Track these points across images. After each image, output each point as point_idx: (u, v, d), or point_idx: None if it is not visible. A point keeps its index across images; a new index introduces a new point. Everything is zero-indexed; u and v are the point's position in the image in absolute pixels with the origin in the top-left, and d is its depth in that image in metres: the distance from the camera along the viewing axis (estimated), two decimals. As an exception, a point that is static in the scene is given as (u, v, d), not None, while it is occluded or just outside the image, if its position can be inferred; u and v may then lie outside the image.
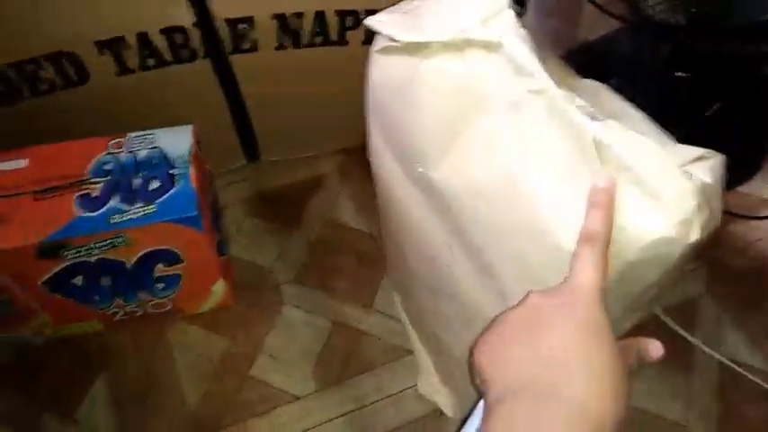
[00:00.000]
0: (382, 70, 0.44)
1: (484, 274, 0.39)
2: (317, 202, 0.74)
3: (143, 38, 0.54)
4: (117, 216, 0.49)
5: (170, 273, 0.55)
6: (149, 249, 0.52)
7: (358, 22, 0.60)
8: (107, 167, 0.51)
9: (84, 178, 0.50)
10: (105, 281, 0.53)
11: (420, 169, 0.40)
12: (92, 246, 0.49)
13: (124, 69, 0.56)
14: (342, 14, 0.59)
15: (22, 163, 0.51)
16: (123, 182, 0.50)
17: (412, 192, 0.43)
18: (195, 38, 0.56)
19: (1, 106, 0.55)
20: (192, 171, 0.51)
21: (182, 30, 0.55)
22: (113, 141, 0.53)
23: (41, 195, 0.49)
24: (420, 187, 0.42)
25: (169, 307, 0.60)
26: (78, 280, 0.52)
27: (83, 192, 0.50)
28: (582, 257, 0.31)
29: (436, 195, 0.40)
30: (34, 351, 0.61)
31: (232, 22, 0.56)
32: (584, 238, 0.31)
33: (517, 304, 0.31)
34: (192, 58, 0.58)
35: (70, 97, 0.57)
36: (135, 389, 0.60)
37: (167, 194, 0.50)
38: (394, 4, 0.44)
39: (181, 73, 0.59)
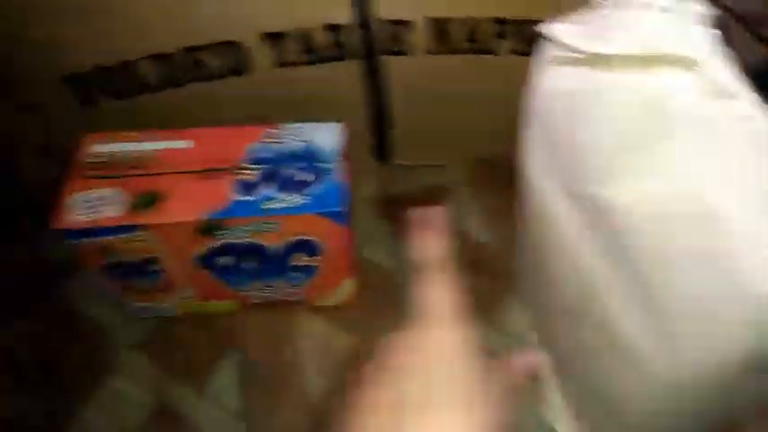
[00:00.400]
0: (553, 81, 0.42)
1: (646, 306, 0.36)
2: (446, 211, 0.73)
3: (305, 33, 0.56)
4: (270, 203, 0.50)
5: (307, 264, 0.56)
6: (294, 238, 0.53)
7: (509, 32, 0.59)
8: (261, 155, 0.53)
9: (241, 164, 0.53)
10: (249, 264, 0.55)
11: (591, 186, 0.38)
12: (244, 229, 0.51)
13: (282, 62, 0.58)
14: (495, 23, 0.58)
15: (185, 144, 0.54)
16: (276, 171, 0.52)
17: (570, 209, 0.41)
18: (353, 37, 0.57)
19: (164, 89, 0.59)
20: (340, 167, 0.52)
21: (341, 28, 0.56)
22: (267, 131, 0.55)
23: (202, 176, 0.52)
24: (582, 205, 0.40)
25: (299, 297, 0.61)
26: (226, 260, 0.54)
27: (240, 177, 0.52)
28: (428, 287, 0.29)
29: (603, 215, 0.37)
30: (169, 324, 0.64)
31: (389, 23, 0.56)
32: (426, 267, 0.30)
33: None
34: (346, 56, 0.59)
35: (228, 85, 0.59)
36: (262, 373, 0.61)
37: (317, 188, 0.51)
38: (549, 15, 0.42)
39: (331, 70, 0.60)
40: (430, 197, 0.75)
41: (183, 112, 0.61)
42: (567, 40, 0.40)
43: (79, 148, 0.54)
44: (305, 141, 0.54)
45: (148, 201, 0.50)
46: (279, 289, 0.60)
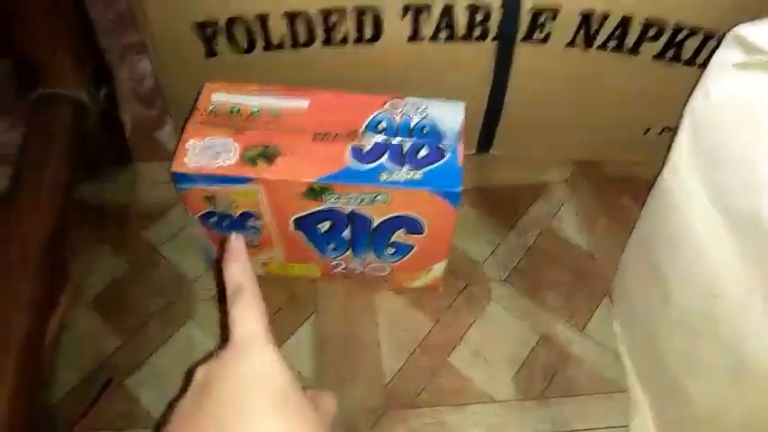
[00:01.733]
0: (730, 87, 0.40)
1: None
2: (539, 208, 0.72)
3: (448, 9, 0.54)
4: (384, 174, 0.49)
5: (406, 242, 0.55)
6: (400, 214, 0.51)
7: (661, 33, 0.56)
8: (381, 126, 0.52)
9: (360, 131, 0.51)
10: (347, 233, 0.54)
11: (756, 203, 0.35)
12: (355, 197, 0.50)
13: (415, 36, 0.56)
14: (649, 22, 0.55)
15: (304, 104, 0.52)
16: (395, 144, 0.51)
17: (720, 224, 0.39)
18: (494, 19, 0.55)
19: (294, 48, 0.57)
20: (459, 148, 0.51)
21: (486, 8, 0.54)
22: (390, 102, 0.53)
23: (319, 138, 0.50)
24: (732, 219, 0.38)
25: (386, 273, 0.60)
26: (324, 225, 0.53)
27: (356, 144, 0.50)
28: (236, 311, 0.29)
29: (761, 233, 0.35)
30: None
31: (537, 9, 0.54)
32: (232, 292, 0.30)
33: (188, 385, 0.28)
34: (483, 38, 0.57)
35: (357, 52, 0.58)
36: (337, 343, 0.61)
37: (434, 165, 0.50)
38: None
39: (462, 50, 0.58)
40: (525, 192, 0.73)
41: (305, 76, 0.60)
42: (756, 40, 0.38)
43: (200, 95, 0.52)
44: (427, 117, 0.53)
45: (262, 155, 0.49)
46: (368, 263, 0.59)
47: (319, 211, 0.51)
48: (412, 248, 0.56)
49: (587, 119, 0.68)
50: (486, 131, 0.69)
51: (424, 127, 0.52)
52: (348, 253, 0.58)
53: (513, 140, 0.72)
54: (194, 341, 0.60)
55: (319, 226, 0.53)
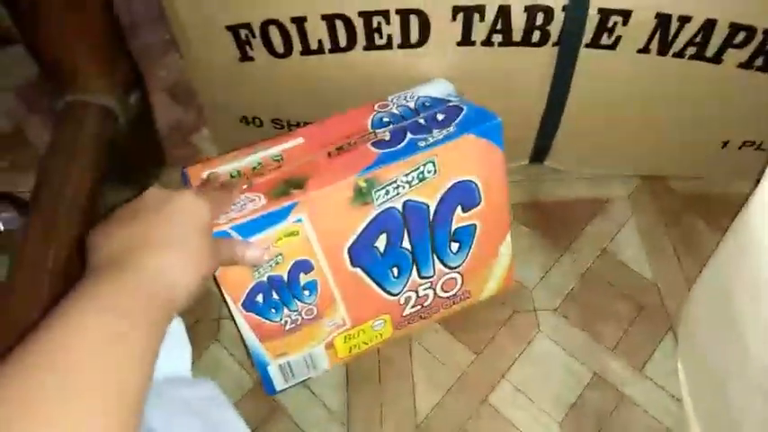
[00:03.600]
0: None
1: None
2: (596, 227, 0.65)
3: (504, 10, 0.48)
4: (422, 142, 0.45)
5: (468, 223, 0.51)
6: (454, 181, 0.48)
7: (749, 40, 0.49)
8: (387, 120, 0.49)
9: (370, 131, 0.48)
10: (406, 243, 0.49)
11: None
12: (402, 181, 0.45)
13: (466, 40, 0.51)
14: (735, 28, 0.48)
15: (299, 140, 0.48)
16: (410, 124, 0.48)
17: None
18: (557, 22, 0.49)
19: (333, 52, 0.53)
20: (469, 99, 0.49)
21: (548, 10, 0.48)
22: (377, 105, 0.50)
23: (336, 153, 0.46)
24: None
25: (458, 288, 0.56)
26: (381, 242, 0.48)
27: (375, 139, 0.46)
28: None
29: None
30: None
31: (606, 13, 0.47)
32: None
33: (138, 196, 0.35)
34: (542, 43, 0.51)
35: (402, 57, 0.53)
36: (368, 374, 0.57)
37: (461, 116, 0.48)
38: None
39: (518, 57, 0.52)
40: (582, 209, 0.67)
41: (346, 78, 0.56)
42: None
43: (189, 180, 0.45)
44: (421, 97, 0.50)
45: (291, 185, 0.43)
46: (437, 282, 0.54)
47: (372, 222, 0.46)
48: (474, 231, 0.52)
49: (656, 130, 0.61)
50: (541, 140, 0.63)
51: (425, 102, 0.50)
52: (413, 274, 0.52)
53: (571, 151, 0.65)
54: (220, 362, 0.57)
55: (376, 245, 0.48)
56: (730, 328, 0.44)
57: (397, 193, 0.46)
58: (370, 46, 0.52)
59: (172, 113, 0.71)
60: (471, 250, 0.53)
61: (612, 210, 0.66)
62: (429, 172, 0.46)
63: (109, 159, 0.53)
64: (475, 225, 0.51)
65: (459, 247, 0.52)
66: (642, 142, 0.63)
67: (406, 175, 0.45)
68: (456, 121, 0.47)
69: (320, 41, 0.52)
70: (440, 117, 0.48)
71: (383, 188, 0.45)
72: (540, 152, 0.66)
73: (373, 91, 0.51)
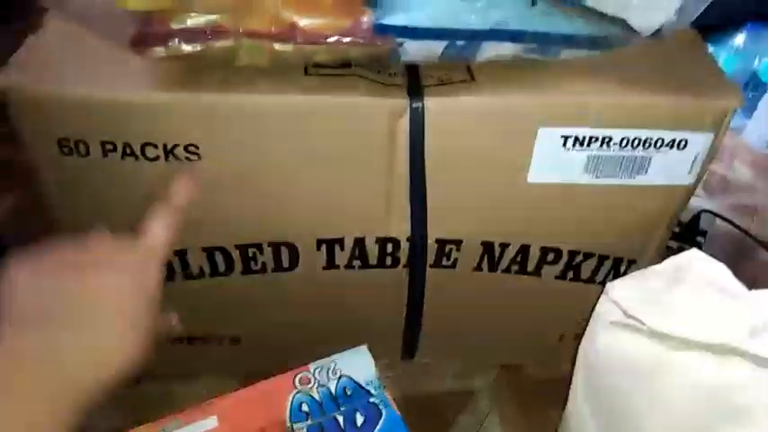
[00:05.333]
0: (613, 343, 0.43)
1: None
2: (466, 419, 0.71)
3: (359, 242, 0.57)
4: None
5: None
6: None
7: (558, 259, 0.60)
8: (305, 408, 0.49)
9: (288, 426, 0.48)
10: None
11: None
12: None
13: (331, 265, 0.59)
14: (545, 251, 0.59)
15: (213, 421, 0.48)
16: (327, 421, 0.48)
17: None
18: (404, 249, 0.58)
19: (215, 276, 0.59)
20: (389, 396, 0.50)
21: (395, 241, 0.57)
22: (299, 377, 0.51)
23: None
24: None
25: None
26: None
27: None
28: (156, 217, 0.35)
29: None
30: None
31: (442, 242, 0.58)
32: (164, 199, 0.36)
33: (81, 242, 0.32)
34: (394, 265, 0.60)
35: (276, 279, 0.60)
36: None
37: (377, 427, 0.48)
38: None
39: (376, 276, 0.61)
40: (450, 402, 0.72)
41: (229, 299, 0.61)
42: (631, 311, 0.41)
43: None
44: (342, 377, 0.51)
45: None
46: None
47: None
48: None
49: (503, 329, 0.70)
50: (407, 342, 0.71)
51: (345, 388, 0.50)
52: None
53: (435, 348, 0.73)
54: None
55: None
56: None
57: None
58: (247, 271, 0.59)
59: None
60: None
61: (477, 401, 0.73)
62: None
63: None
64: None
65: None
66: (493, 337, 0.72)
67: None
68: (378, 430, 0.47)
69: (201, 268, 0.58)
70: (360, 419, 0.48)
71: None
72: (409, 350, 0.73)
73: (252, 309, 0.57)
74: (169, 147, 0.49)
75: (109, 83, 0.47)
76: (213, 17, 0.41)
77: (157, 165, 0.50)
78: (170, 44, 0.42)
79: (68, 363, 0.28)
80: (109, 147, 0.49)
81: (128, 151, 0.49)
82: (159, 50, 0.43)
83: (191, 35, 0.42)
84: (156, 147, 0.49)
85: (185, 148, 0.49)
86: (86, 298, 0.29)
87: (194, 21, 0.42)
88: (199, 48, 0.43)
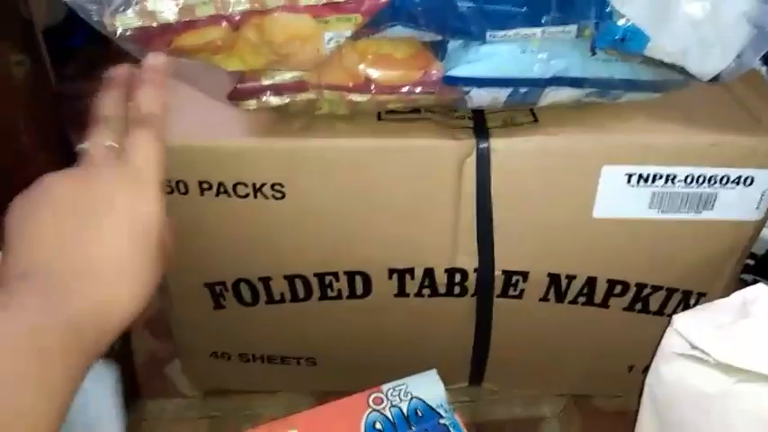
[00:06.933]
0: (679, 375, 0.43)
1: None
2: (532, 446, 0.72)
3: (429, 272, 0.60)
4: None
5: None
6: None
7: (625, 291, 0.61)
8: (378, 427, 0.52)
9: None
10: None
11: None
12: None
13: (402, 293, 0.62)
14: (612, 283, 0.60)
15: None
16: None
17: None
18: (472, 280, 0.61)
19: (294, 301, 0.64)
20: (459, 419, 0.53)
21: (463, 272, 0.60)
22: (372, 397, 0.54)
23: None
24: None
25: None
26: None
27: None
28: (138, 141, 0.31)
29: None
30: None
31: (509, 274, 0.60)
32: (139, 121, 0.31)
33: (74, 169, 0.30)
34: (462, 294, 0.62)
35: (350, 305, 0.64)
36: None
37: None
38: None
39: (444, 304, 0.64)
40: (518, 428, 0.74)
41: (303, 324, 0.66)
42: (698, 343, 0.42)
43: None
44: (413, 398, 0.53)
45: None
46: None
47: None
48: None
49: (570, 358, 0.71)
50: (475, 368, 0.73)
51: (416, 409, 0.53)
52: None
53: (503, 375, 0.74)
54: None
55: None
56: None
57: None
58: (324, 297, 0.63)
59: (148, 346, 0.79)
60: None
61: (546, 429, 0.73)
62: None
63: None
64: None
65: None
66: (561, 368, 0.72)
67: None
68: None
69: (282, 294, 0.63)
70: None
71: None
72: (476, 376, 0.75)
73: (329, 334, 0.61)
74: (258, 185, 0.54)
75: (208, 131, 0.54)
76: (298, 73, 0.47)
77: (247, 201, 0.55)
78: (261, 97, 0.48)
79: (74, 308, 0.27)
80: (205, 186, 0.55)
81: (221, 189, 0.55)
82: (251, 103, 0.49)
83: (278, 89, 0.48)
84: (246, 185, 0.54)
85: (272, 187, 0.54)
86: (87, 249, 0.29)
87: (281, 77, 0.47)
88: (285, 100, 0.48)
